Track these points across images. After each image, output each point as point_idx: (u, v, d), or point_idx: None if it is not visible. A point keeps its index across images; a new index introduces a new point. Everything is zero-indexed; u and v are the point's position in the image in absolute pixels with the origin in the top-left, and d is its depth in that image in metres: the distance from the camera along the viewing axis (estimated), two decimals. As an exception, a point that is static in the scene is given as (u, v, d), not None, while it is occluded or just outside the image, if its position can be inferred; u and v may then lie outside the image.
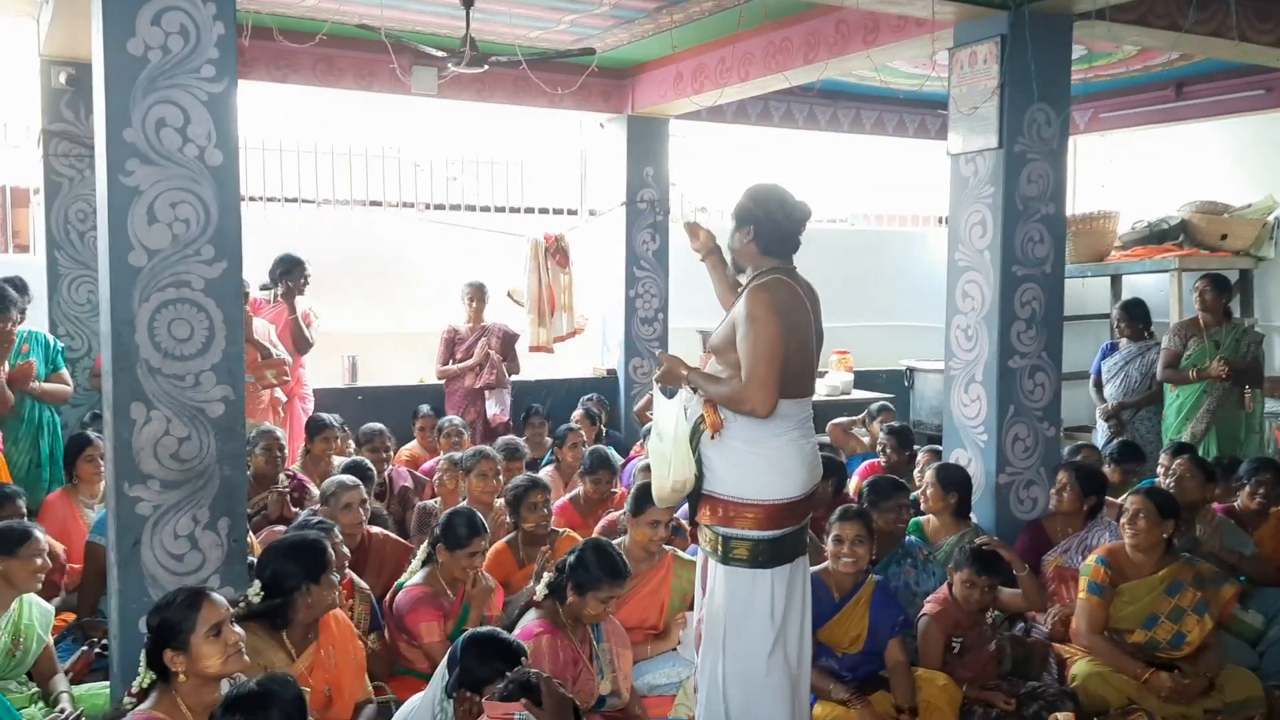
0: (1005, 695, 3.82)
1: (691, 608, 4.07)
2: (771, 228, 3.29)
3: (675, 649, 4.16)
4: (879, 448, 6.13)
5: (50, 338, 5.57)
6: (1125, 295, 7.76)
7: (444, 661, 2.94)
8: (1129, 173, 9.43)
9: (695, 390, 3.31)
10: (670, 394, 3.38)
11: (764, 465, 3.21)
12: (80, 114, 6.19)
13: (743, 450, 3.21)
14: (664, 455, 3.36)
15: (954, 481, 4.78)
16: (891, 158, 10.18)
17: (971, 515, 4.95)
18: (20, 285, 5.39)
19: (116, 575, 3.36)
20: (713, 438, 3.22)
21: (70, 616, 4.50)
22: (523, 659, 2.92)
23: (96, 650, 4.14)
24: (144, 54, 3.28)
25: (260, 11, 5.81)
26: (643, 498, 4.15)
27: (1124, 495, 4.32)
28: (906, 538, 4.59)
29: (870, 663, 3.91)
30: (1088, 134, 8.93)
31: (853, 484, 5.68)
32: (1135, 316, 6.92)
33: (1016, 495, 5.18)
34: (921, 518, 4.91)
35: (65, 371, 5.52)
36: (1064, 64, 5.17)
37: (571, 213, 9.19)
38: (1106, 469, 5.53)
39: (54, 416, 5.52)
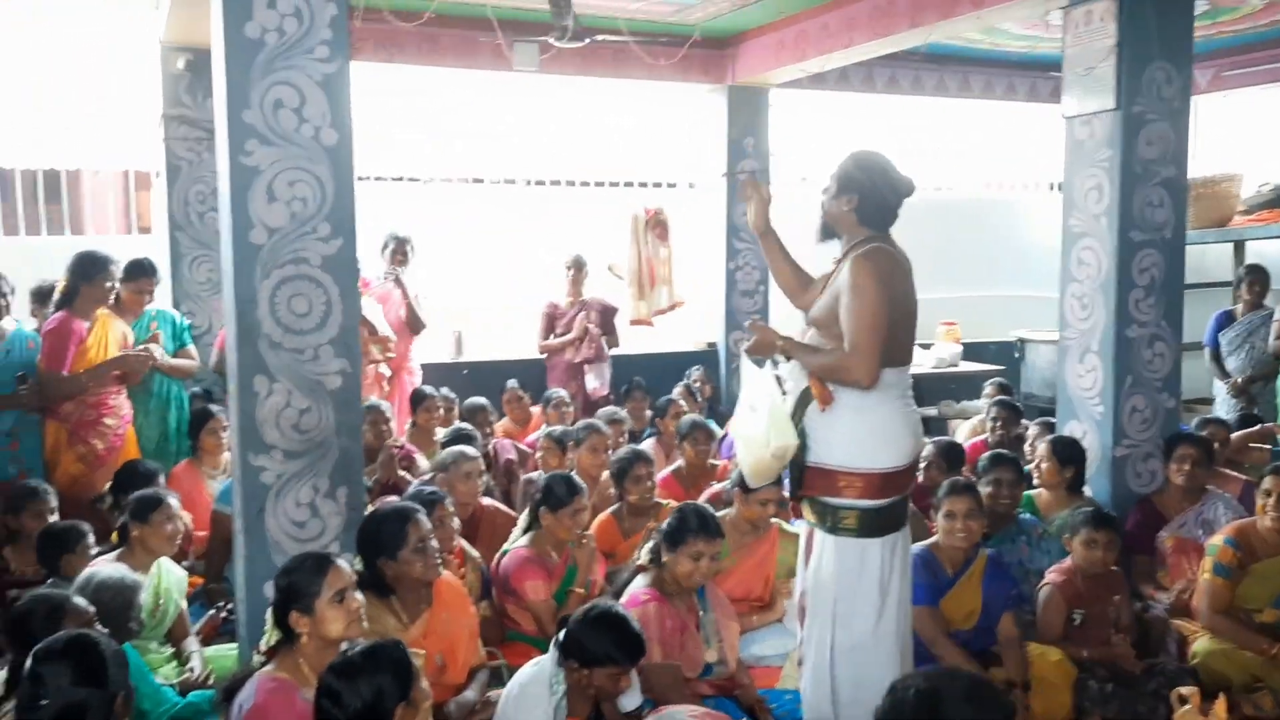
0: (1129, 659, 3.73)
1: (797, 579, 4.08)
2: (875, 198, 3.23)
3: (781, 620, 4.17)
4: (989, 423, 5.99)
5: (177, 315, 5.76)
6: (1249, 261, 7.43)
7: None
8: (1254, 133, 8.99)
9: (787, 359, 3.29)
10: (760, 364, 3.34)
11: (872, 433, 3.18)
12: (198, 98, 6.38)
13: (852, 419, 3.17)
14: (754, 429, 3.30)
15: (1069, 455, 4.68)
16: (1000, 122, 9.89)
17: (1085, 489, 4.83)
18: (149, 265, 5.60)
19: (242, 541, 3.48)
20: (822, 410, 3.19)
21: (197, 582, 4.69)
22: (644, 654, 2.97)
23: (223, 614, 4.32)
24: (261, 36, 3.36)
25: (369, -8, 5.91)
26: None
27: (1264, 475, 4.14)
28: (1021, 515, 4.49)
29: (984, 638, 3.85)
30: (1210, 94, 8.51)
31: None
32: (1263, 281, 6.63)
33: (1134, 468, 5.01)
34: (1033, 491, 4.80)
35: (192, 347, 5.71)
36: (1185, 20, 4.96)
37: (671, 186, 9.17)
38: None
39: (180, 391, 5.72)
